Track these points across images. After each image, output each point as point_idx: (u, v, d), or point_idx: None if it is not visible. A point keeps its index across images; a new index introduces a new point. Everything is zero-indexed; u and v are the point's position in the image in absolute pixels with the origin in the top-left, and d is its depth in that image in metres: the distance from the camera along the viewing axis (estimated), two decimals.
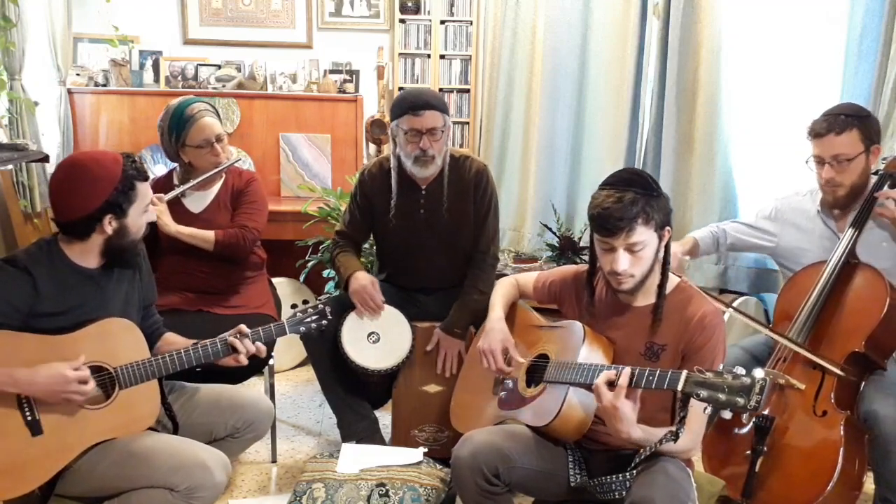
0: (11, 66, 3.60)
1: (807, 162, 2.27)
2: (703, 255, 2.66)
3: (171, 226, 2.42)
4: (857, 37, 2.87)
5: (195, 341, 1.95)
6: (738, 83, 3.28)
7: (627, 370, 1.57)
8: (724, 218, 3.34)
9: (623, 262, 1.70)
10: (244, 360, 1.95)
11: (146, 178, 1.84)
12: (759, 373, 1.40)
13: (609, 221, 1.66)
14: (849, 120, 2.17)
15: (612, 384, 1.58)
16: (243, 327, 1.97)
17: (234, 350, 1.93)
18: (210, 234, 2.44)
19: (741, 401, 1.39)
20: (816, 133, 2.21)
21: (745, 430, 2.13)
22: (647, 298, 1.81)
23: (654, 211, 1.68)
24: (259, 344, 1.97)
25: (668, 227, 1.75)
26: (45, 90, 3.83)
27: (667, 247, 1.77)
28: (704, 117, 3.32)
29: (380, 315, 2.41)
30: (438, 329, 2.45)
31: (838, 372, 2.03)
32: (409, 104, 2.34)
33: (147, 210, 1.86)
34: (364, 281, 2.40)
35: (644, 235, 1.68)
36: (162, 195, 2.46)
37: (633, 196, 1.66)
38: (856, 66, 2.88)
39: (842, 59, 2.94)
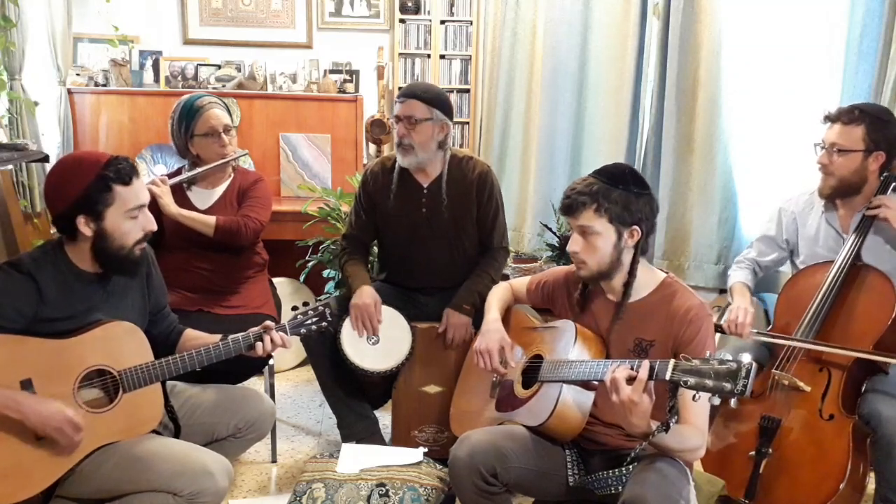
0: (11, 66, 3.61)
1: (815, 145, 2.29)
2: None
3: (171, 207, 2.43)
4: (857, 37, 2.87)
5: (221, 335, 1.95)
6: (738, 83, 3.28)
7: (646, 363, 1.55)
8: (725, 218, 3.35)
9: (574, 243, 1.77)
10: (267, 350, 1.95)
11: (127, 183, 1.75)
12: (745, 357, 1.41)
13: (565, 199, 1.77)
14: (861, 116, 2.19)
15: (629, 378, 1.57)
16: (269, 323, 1.97)
17: (252, 347, 1.93)
18: (210, 219, 2.45)
19: (728, 385, 1.40)
20: (827, 117, 2.27)
21: (747, 429, 2.13)
22: (635, 296, 1.81)
23: (609, 203, 1.72)
24: (284, 335, 1.97)
25: (634, 227, 1.75)
26: (45, 90, 3.84)
27: (637, 247, 1.77)
28: (704, 117, 3.32)
29: (380, 319, 2.41)
30: (447, 309, 2.45)
31: (860, 355, 2.01)
32: (401, 92, 2.46)
33: (136, 217, 1.79)
34: (367, 299, 2.39)
35: (592, 222, 1.73)
36: (166, 178, 2.49)
37: (593, 182, 1.74)
38: (856, 66, 2.88)
39: (842, 59, 2.94)
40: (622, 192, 1.72)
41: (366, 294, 2.40)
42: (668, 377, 1.48)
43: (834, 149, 2.22)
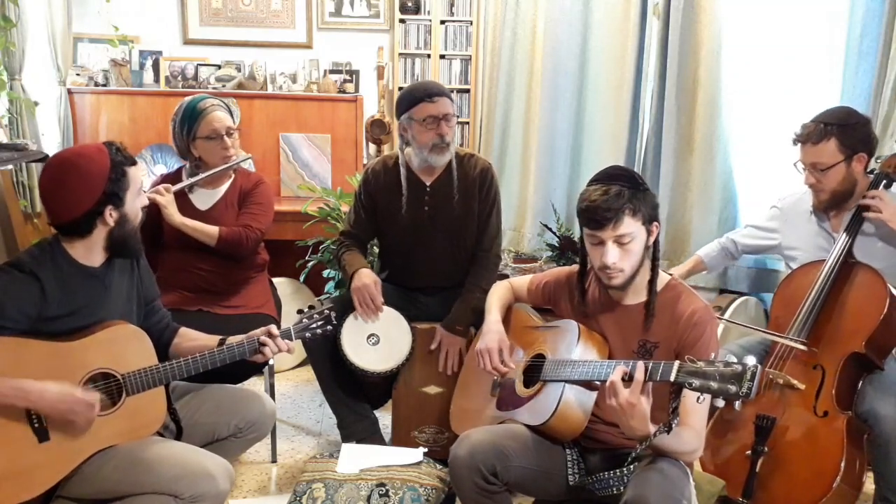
0: (11, 66, 3.61)
1: (795, 165, 2.29)
2: (713, 270, 2.68)
3: (175, 216, 2.42)
4: (857, 37, 2.87)
5: (221, 337, 1.96)
6: (738, 83, 3.28)
7: (641, 364, 1.55)
8: (725, 218, 3.35)
9: (612, 254, 1.72)
10: (271, 354, 1.96)
11: (134, 163, 1.81)
12: (750, 360, 1.41)
13: (597, 213, 1.70)
14: (827, 129, 2.19)
15: (624, 380, 1.57)
16: (274, 329, 1.97)
17: (258, 352, 1.94)
18: (214, 230, 2.45)
19: (733, 388, 1.39)
20: (797, 139, 2.26)
21: (743, 428, 2.13)
22: (638, 296, 1.82)
23: (640, 203, 1.72)
24: (288, 342, 1.98)
25: (655, 223, 1.77)
26: (45, 90, 3.84)
27: (656, 243, 1.79)
28: (704, 117, 3.32)
29: (379, 317, 2.41)
30: (440, 326, 2.44)
31: (798, 346, 2.05)
32: (424, 92, 2.36)
33: (140, 193, 1.84)
34: (367, 279, 2.38)
35: (631, 227, 1.71)
36: (169, 185, 2.48)
37: (619, 188, 1.70)
38: (856, 66, 2.88)
39: (842, 59, 2.94)
40: (643, 191, 1.73)
41: (364, 275, 2.39)
42: (672, 378, 1.48)
43: (816, 168, 2.22)
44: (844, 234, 2.18)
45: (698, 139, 3.35)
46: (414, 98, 2.36)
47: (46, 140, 3.85)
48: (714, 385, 1.42)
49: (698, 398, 1.46)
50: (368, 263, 2.57)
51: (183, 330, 2.08)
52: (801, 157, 2.26)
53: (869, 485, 2.10)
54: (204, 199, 2.56)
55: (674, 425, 1.48)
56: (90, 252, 1.80)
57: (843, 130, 2.18)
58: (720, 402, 1.42)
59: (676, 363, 1.50)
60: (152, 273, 2.07)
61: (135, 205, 1.82)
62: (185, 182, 2.53)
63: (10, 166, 3.49)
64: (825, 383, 2.06)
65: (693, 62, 3.31)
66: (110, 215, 1.76)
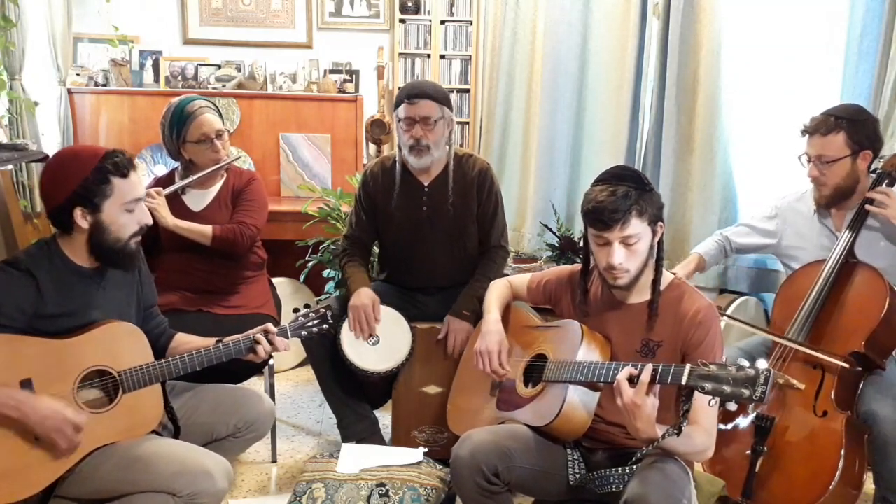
0: (11, 66, 3.61)
1: (799, 157, 2.29)
2: (711, 267, 2.68)
3: (168, 219, 2.42)
4: (857, 37, 2.87)
5: (218, 338, 1.96)
6: (738, 83, 3.28)
7: (649, 366, 1.55)
8: (725, 218, 3.35)
9: (618, 255, 1.72)
10: (263, 355, 1.96)
11: (125, 175, 1.76)
12: (762, 364, 1.40)
13: (604, 214, 1.69)
14: (838, 122, 2.19)
15: (631, 381, 1.57)
16: (270, 326, 1.97)
17: (253, 350, 1.94)
18: (207, 229, 2.44)
19: (747, 392, 1.39)
20: (805, 130, 2.26)
21: (744, 427, 2.13)
22: (641, 296, 1.82)
23: (646, 204, 1.71)
24: (284, 340, 1.98)
25: (660, 223, 1.77)
26: (45, 90, 3.84)
27: (660, 242, 1.79)
28: (704, 117, 3.32)
29: (378, 319, 2.41)
30: (447, 315, 2.44)
31: (841, 364, 2.02)
32: (406, 93, 2.38)
33: (132, 210, 1.79)
34: (366, 299, 2.39)
35: (638, 228, 1.71)
36: (161, 188, 2.47)
37: (626, 189, 1.70)
38: (856, 66, 2.88)
39: (842, 59, 2.94)
40: (649, 192, 1.73)
41: (364, 295, 2.40)
42: (684, 382, 1.48)
43: (822, 160, 2.22)
44: (847, 232, 2.19)
45: (698, 139, 3.35)
46: (399, 98, 2.40)
47: (46, 140, 3.84)
48: (727, 389, 1.41)
49: (710, 401, 1.45)
50: (370, 272, 2.57)
51: (179, 335, 2.08)
52: (808, 148, 2.26)
53: (869, 484, 2.10)
54: (197, 200, 2.56)
55: (683, 427, 1.48)
56: (79, 253, 1.79)
57: (853, 125, 2.18)
58: (732, 406, 1.42)
59: (688, 366, 1.49)
60: (152, 278, 2.07)
61: (118, 217, 1.76)
62: (177, 185, 2.52)
63: (10, 166, 3.49)
64: (825, 383, 2.06)
65: (693, 62, 3.31)
66: (84, 218, 1.74)
